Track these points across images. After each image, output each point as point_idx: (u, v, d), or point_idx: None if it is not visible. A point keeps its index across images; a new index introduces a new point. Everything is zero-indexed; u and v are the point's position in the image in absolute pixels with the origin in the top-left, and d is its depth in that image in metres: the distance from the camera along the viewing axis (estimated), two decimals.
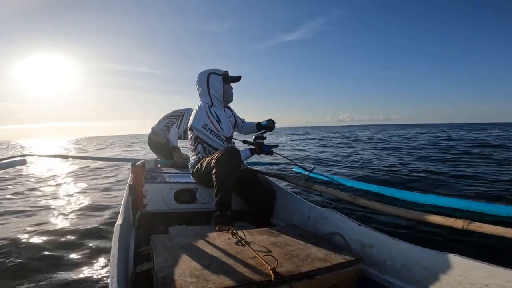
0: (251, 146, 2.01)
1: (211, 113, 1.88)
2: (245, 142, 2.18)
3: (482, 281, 0.87)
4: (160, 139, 3.48)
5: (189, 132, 1.98)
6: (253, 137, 2.07)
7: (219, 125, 1.88)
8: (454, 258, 0.96)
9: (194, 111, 1.95)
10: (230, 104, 2.13)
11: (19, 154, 2.21)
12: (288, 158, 2.58)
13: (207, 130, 1.83)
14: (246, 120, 2.27)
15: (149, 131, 3.61)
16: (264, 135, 2.07)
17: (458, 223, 1.01)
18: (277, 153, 2.15)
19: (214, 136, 1.84)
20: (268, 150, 1.99)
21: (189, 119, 2.00)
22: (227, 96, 2.00)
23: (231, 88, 2.02)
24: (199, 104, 1.95)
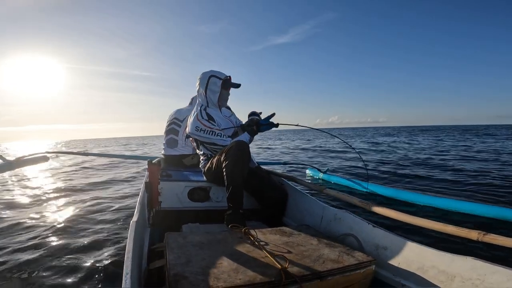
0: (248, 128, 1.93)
1: (201, 115, 1.91)
2: (240, 126, 2.07)
3: (501, 285, 0.83)
4: (194, 161, 2.71)
5: (190, 138, 2.04)
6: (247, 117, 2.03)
7: (211, 123, 1.90)
8: (471, 261, 0.93)
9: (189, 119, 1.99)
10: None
11: (41, 151, 2.32)
12: (297, 162, 2.45)
13: (199, 131, 1.87)
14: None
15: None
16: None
17: (473, 235, 0.99)
18: (281, 123, 1.92)
19: (209, 134, 1.86)
20: (267, 121, 1.90)
21: None
22: (221, 101, 2.04)
23: (228, 94, 2.06)
24: (194, 110, 1.99)
